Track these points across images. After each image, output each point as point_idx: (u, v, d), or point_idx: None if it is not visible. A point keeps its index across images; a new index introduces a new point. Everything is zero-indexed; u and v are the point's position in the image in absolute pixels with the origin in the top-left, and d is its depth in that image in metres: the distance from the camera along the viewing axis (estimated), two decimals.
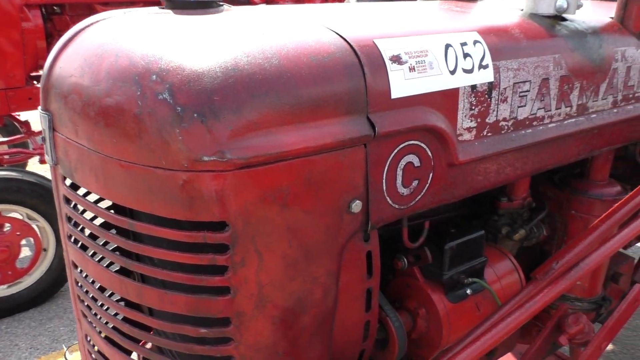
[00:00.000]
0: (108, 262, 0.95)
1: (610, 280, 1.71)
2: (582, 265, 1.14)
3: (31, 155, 3.89)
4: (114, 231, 0.93)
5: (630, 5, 1.31)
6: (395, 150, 0.93)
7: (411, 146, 0.96)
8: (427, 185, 1.01)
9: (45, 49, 4.01)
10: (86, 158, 0.85)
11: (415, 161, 0.97)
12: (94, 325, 0.99)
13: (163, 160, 0.75)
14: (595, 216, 1.31)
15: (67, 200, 0.95)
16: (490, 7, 1.27)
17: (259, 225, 0.80)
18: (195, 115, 0.72)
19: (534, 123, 1.15)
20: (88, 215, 0.95)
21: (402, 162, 0.95)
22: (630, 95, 1.37)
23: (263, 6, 1.08)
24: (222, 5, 1.00)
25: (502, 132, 1.09)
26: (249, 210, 0.78)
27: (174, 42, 0.80)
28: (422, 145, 0.97)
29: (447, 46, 0.96)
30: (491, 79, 1.03)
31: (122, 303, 0.94)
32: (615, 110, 1.33)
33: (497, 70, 1.04)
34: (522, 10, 1.23)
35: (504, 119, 1.09)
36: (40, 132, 4.62)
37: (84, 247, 0.95)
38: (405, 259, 1.20)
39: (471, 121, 1.03)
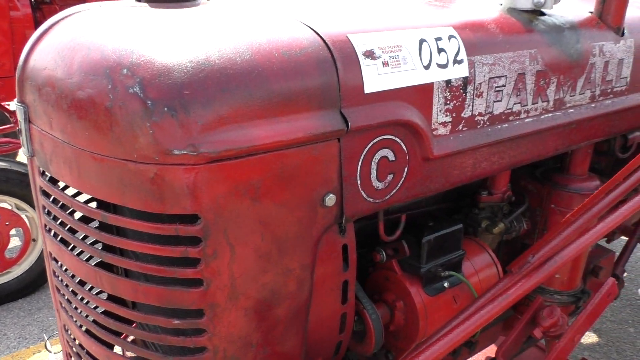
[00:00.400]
0: (84, 254, 0.96)
1: (590, 274, 1.74)
2: (557, 258, 1.15)
3: (20, 145, 3.87)
4: (94, 224, 0.94)
5: (609, 0, 1.32)
6: (370, 145, 0.95)
7: (385, 140, 0.97)
8: (402, 179, 1.02)
9: None
10: (60, 150, 0.85)
11: (390, 155, 0.98)
12: (73, 317, 1.00)
13: (134, 153, 0.76)
14: (572, 208, 1.32)
15: (44, 192, 0.96)
16: (469, 2, 1.28)
17: (231, 218, 0.81)
18: (165, 109, 0.73)
19: (510, 118, 1.17)
20: (66, 207, 0.96)
21: (377, 157, 0.96)
22: (609, 90, 1.39)
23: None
24: None
25: (478, 126, 1.11)
26: (220, 203, 0.79)
27: (147, 35, 0.80)
28: (397, 139, 0.98)
29: (422, 41, 0.97)
30: (466, 73, 1.04)
31: (101, 295, 0.95)
32: (593, 105, 1.35)
33: (472, 65, 1.05)
34: (501, 4, 1.24)
35: (480, 114, 1.10)
36: None
37: (61, 239, 0.96)
38: (384, 252, 1.21)
39: (446, 116, 1.04)
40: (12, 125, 4.33)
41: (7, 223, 3.53)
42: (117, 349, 0.98)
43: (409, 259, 1.20)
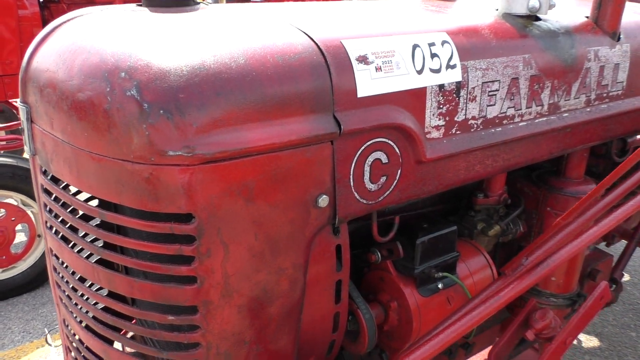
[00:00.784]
0: (84, 251, 0.99)
1: (587, 277, 1.75)
2: (550, 261, 1.17)
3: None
4: (94, 221, 0.97)
5: (605, 5, 1.34)
6: (363, 148, 0.97)
7: (378, 143, 0.99)
8: (396, 181, 1.04)
9: None
10: (61, 149, 0.88)
11: (383, 158, 1.01)
12: (72, 312, 1.03)
13: (131, 154, 0.78)
14: (570, 215, 1.34)
15: (45, 190, 0.99)
16: (466, 7, 1.30)
17: (225, 217, 0.84)
18: (161, 111, 0.76)
19: (504, 122, 1.18)
20: (67, 205, 0.99)
21: (370, 159, 0.99)
22: (604, 95, 1.40)
23: (239, 4, 1.10)
24: (198, 3, 1.03)
25: (472, 130, 1.13)
26: (214, 203, 0.82)
27: (145, 40, 0.83)
28: (390, 142, 1.00)
29: (415, 46, 0.99)
30: (459, 78, 1.06)
31: (101, 291, 0.98)
32: (588, 110, 1.36)
33: (465, 70, 1.07)
34: (497, 10, 1.26)
35: (473, 118, 1.12)
36: None
37: (61, 236, 0.99)
38: (379, 253, 1.23)
39: (439, 119, 1.06)
40: (19, 122, 4.39)
41: (13, 219, 3.58)
42: (117, 345, 1.01)
43: (403, 260, 1.22)
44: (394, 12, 1.16)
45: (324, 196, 0.94)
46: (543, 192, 1.52)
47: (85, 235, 0.99)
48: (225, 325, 0.90)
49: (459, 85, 1.07)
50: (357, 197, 0.99)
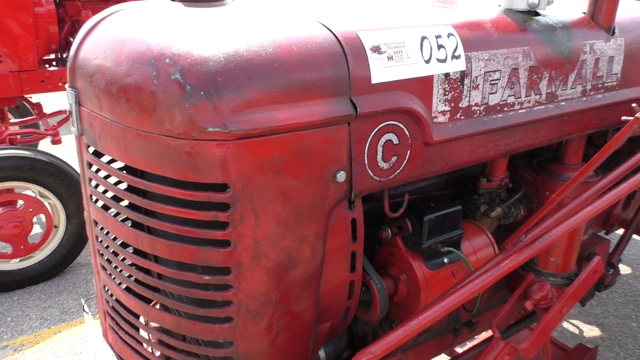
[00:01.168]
0: (123, 222, 1.11)
1: (585, 260, 1.86)
2: (547, 237, 1.28)
3: (44, 136, 4.06)
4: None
5: (600, 2, 1.45)
6: (376, 129, 1.08)
7: (390, 126, 1.11)
8: (405, 161, 1.16)
9: (57, 33, 4.17)
10: (109, 128, 1.00)
11: (394, 139, 1.12)
12: (113, 276, 1.15)
13: (174, 130, 0.90)
14: (568, 197, 1.45)
15: (90, 165, 1.11)
16: (470, 3, 1.41)
17: (256, 188, 0.95)
18: (202, 93, 0.88)
19: (505, 109, 1.30)
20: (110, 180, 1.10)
21: (382, 140, 1.10)
22: (600, 85, 1.51)
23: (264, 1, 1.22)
24: None
25: (475, 116, 1.24)
26: (247, 175, 0.94)
27: (184, 31, 0.95)
28: (400, 125, 1.12)
29: (423, 38, 1.11)
30: (463, 68, 1.17)
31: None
32: (584, 99, 1.47)
33: (469, 60, 1.18)
34: (499, 5, 1.37)
35: (476, 104, 1.23)
36: (52, 114, 4.77)
37: (104, 207, 1.11)
38: (389, 230, 1.35)
39: (445, 105, 1.18)
40: (35, 117, 4.53)
41: (31, 210, 3.72)
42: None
43: (412, 236, 1.33)
44: (405, 7, 1.27)
45: (342, 172, 1.05)
46: (542, 177, 1.63)
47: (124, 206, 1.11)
48: (254, 285, 1.02)
49: (463, 74, 1.18)
50: (371, 174, 1.11)
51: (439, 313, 1.14)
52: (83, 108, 1.07)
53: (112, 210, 1.11)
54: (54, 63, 4.51)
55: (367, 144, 1.08)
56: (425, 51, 1.11)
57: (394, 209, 1.27)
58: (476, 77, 1.21)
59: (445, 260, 1.37)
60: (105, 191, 1.10)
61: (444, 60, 1.14)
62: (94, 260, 1.24)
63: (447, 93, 1.17)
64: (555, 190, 1.62)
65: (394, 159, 1.13)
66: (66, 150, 4.53)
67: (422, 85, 1.12)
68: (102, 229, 1.14)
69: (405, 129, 1.13)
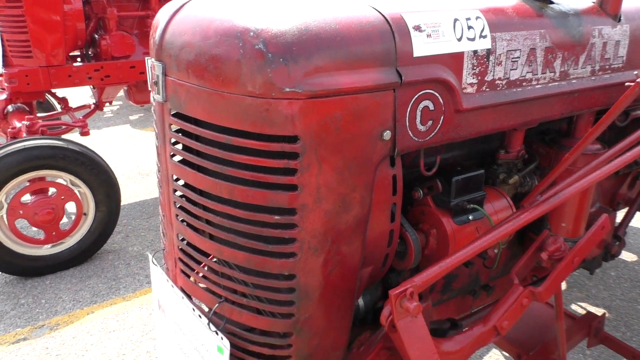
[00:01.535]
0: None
1: None
2: (560, 195, 1.50)
3: (72, 128, 4.29)
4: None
5: None
6: (416, 96, 1.30)
7: (427, 94, 1.32)
8: (439, 125, 1.37)
9: (84, 30, 4.41)
10: (195, 93, 1.22)
11: (430, 106, 1.34)
12: (188, 223, 1.37)
13: (256, 91, 1.12)
14: (578, 167, 1.66)
15: (172, 128, 1.33)
16: None
17: (320, 141, 1.17)
18: (280, 59, 1.09)
19: (524, 84, 1.51)
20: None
21: (421, 106, 1.32)
22: (607, 66, 1.73)
23: None
24: None
25: (498, 88, 1.46)
26: (313, 129, 1.15)
27: (262, 11, 1.17)
28: (436, 93, 1.34)
29: (455, 20, 1.33)
30: (489, 46, 1.39)
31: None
32: (593, 78, 1.69)
33: (494, 39, 1.40)
34: None
35: (499, 79, 1.45)
36: (77, 108, 4.99)
37: (184, 162, 1.33)
38: (421, 191, 1.57)
39: (473, 78, 1.40)
40: (61, 111, 4.76)
41: (63, 197, 3.94)
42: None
43: (441, 195, 1.54)
44: None
45: (387, 131, 1.27)
46: (555, 150, 1.84)
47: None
48: (315, 225, 1.23)
49: (488, 52, 1.40)
50: (411, 135, 1.32)
51: (469, 254, 1.35)
52: (169, 78, 1.29)
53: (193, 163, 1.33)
54: (79, 59, 4.74)
55: (409, 109, 1.29)
56: (457, 31, 1.33)
57: (427, 170, 1.49)
58: (499, 54, 1.42)
59: (470, 217, 1.58)
60: (185, 148, 1.32)
61: (472, 39, 1.35)
62: (168, 213, 1.46)
63: (475, 67, 1.39)
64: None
65: (429, 122, 1.35)
66: (93, 141, 4.74)
67: (454, 60, 1.34)
68: (181, 183, 1.36)
69: (439, 97, 1.34)
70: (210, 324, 1.38)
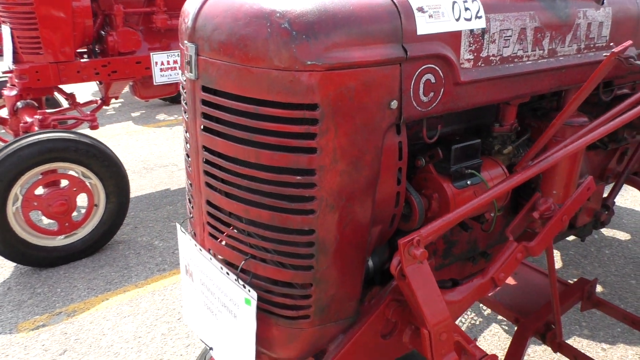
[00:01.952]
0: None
1: None
2: (549, 159, 1.69)
3: (82, 122, 4.46)
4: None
5: None
6: (419, 70, 1.49)
7: (429, 68, 1.51)
8: (440, 96, 1.56)
9: (92, 26, 4.58)
10: (225, 69, 1.40)
11: (432, 79, 1.52)
12: (216, 188, 1.56)
13: (282, 64, 1.30)
14: (566, 138, 1.86)
15: (203, 102, 1.51)
16: None
17: (336, 108, 1.35)
18: (304, 36, 1.28)
19: (515, 60, 1.70)
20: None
21: (423, 78, 1.50)
22: (592, 45, 1.92)
23: None
24: None
25: (492, 64, 1.65)
26: (331, 97, 1.34)
27: None
28: (437, 68, 1.52)
29: (454, 2, 1.52)
30: (484, 25, 1.58)
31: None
32: (578, 56, 1.88)
33: (488, 20, 1.59)
34: None
35: (493, 55, 1.64)
36: (85, 104, 5.16)
37: (214, 133, 1.51)
38: (423, 159, 1.75)
39: (470, 54, 1.59)
40: (69, 107, 4.94)
41: (75, 189, 4.12)
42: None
43: (442, 162, 1.73)
44: None
45: (394, 101, 1.46)
46: (545, 124, 2.03)
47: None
48: (332, 184, 1.42)
49: (483, 31, 1.59)
50: (415, 104, 1.51)
51: (469, 210, 1.54)
52: (201, 57, 1.47)
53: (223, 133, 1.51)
54: (85, 55, 4.91)
55: (413, 81, 1.48)
56: (456, 12, 1.52)
57: (429, 139, 1.68)
58: (493, 33, 1.62)
59: (469, 182, 1.76)
60: (215, 120, 1.50)
61: (469, 20, 1.55)
62: (197, 181, 1.64)
63: (471, 45, 1.58)
64: (556, 133, 2.03)
65: (431, 94, 1.54)
66: (100, 135, 4.87)
67: (453, 38, 1.53)
68: (211, 152, 1.54)
69: (440, 71, 1.53)
70: (238, 280, 1.56)
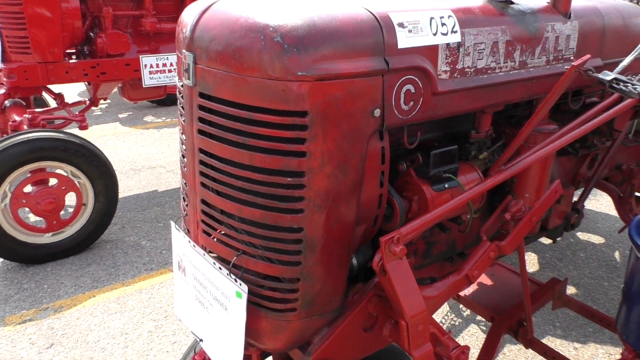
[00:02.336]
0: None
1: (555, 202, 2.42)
2: (520, 163, 1.83)
3: (70, 122, 4.53)
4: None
5: None
6: (400, 81, 1.62)
7: (409, 79, 1.64)
8: (419, 105, 1.70)
9: (81, 28, 4.65)
10: (222, 78, 1.52)
11: (412, 89, 1.66)
12: (211, 188, 1.67)
13: (274, 74, 1.43)
14: (536, 144, 2.01)
15: (200, 107, 1.62)
16: None
17: (324, 115, 1.48)
18: (295, 49, 1.41)
19: (489, 71, 1.85)
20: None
21: (404, 89, 1.64)
22: (560, 57, 2.08)
23: None
24: None
25: (467, 75, 1.79)
26: (320, 105, 1.46)
27: (278, 10, 1.48)
28: (416, 79, 1.66)
29: (431, 18, 1.65)
30: (459, 39, 1.72)
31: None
32: (548, 67, 2.03)
33: (463, 34, 1.73)
34: None
35: (468, 67, 1.78)
36: (73, 104, 5.22)
37: (209, 136, 1.63)
38: (404, 164, 1.89)
39: (447, 66, 1.72)
40: (57, 106, 4.99)
41: (64, 188, 4.19)
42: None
43: (421, 167, 1.86)
44: None
45: (377, 109, 1.59)
46: (518, 130, 2.17)
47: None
48: (320, 185, 1.55)
49: (459, 44, 1.73)
50: (396, 113, 1.65)
51: (446, 210, 1.68)
52: (198, 66, 1.59)
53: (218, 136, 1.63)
54: (74, 56, 4.98)
55: (394, 91, 1.61)
56: (433, 27, 1.66)
57: (409, 145, 1.81)
58: (468, 47, 1.76)
59: (446, 185, 1.90)
60: (211, 124, 1.62)
61: (446, 34, 1.68)
62: (192, 181, 1.76)
63: (448, 57, 1.72)
64: (528, 139, 2.18)
65: (411, 103, 1.67)
66: (88, 136, 4.93)
67: (431, 51, 1.67)
68: (206, 154, 1.66)
69: (419, 82, 1.67)
70: (230, 274, 1.68)
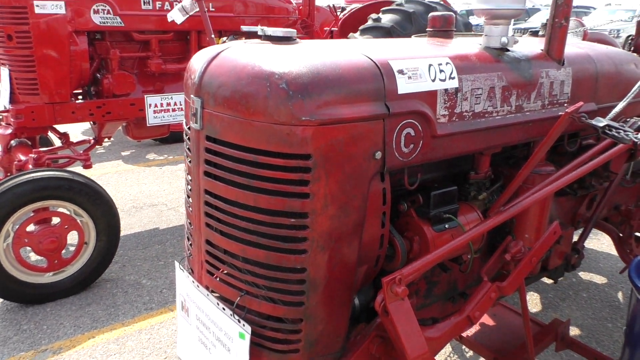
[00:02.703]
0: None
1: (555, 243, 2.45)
2: (519, 205, 1.88)
3: (74, 161, 4.60)
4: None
5: (553, 41, 2.11)
6: (400, 124, 1.68)
7: (409, 123, 1.71)
8: (419, 148, 1.76)
9: (89, 69, 4.78)
10: (228, 122, 1.59)
11: (412, 132, 1.72)
12: (216, 229, 1.71)
13: (280, 119, 1.49)
14: (534, 185, 2.06)
15: (207, 150, 1.68)
16: (460, 42, 2.05)
17: (327, 158, 1.54)
18: (299, 96, 1.47)
19: (486, 115, 1.92)
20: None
21: (404, 132, 1.70)
22: (555, 101, 2.16)
23: (321, 40, 1.84)
24: (297, 39, 1.77)
25: (465, 119, 1.86)
26: (323, 149, 1.52)
27: (282, 59, 1.55)
28: (416, 123, 1.72)
29: (430, 65, 1.73)
30: (457, 85, 1.80)
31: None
32: (543, 111, 2.11)
33: (460, 80, 1.81)
34: (480, 44, 2.02)
35: (466, 111, 1.85)
36: (78, 143, 5.31)
37: (215, 178, 1.68)
38: (405, 204, 1.94)
39: (445, 111, 1.79)
40: (62, 145, 5.08)
41: (66, 227, 4.21)
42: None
43: (422, 207, 1.91)
44: (417, 45, 1.91)
45: (379, 152, 1.65)
46: (516, 171, 2.23)
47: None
48: (323, 227, 1.59)
49: (457, 90, 1.80)
50: (397, 155, 1.70)
51: (447, 251, 1.72)
52: (206, 110, 1.66)
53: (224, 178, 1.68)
54: (80, 97, 5.09)
55: (395, 134, 1.68)
56: (432, 73, 1.73)
57: (410, 186, 1.86)
58: (465, 92, 1.83)
59: (446, 226, 1.94)
60: (217, 166, 1.67)
61: (444, 80, 1.76)
62: (197, 222, 1.80)
63: (446, 102, 1.79)
64: (526, 181, 2.23)
65: (411, 145, 1.73)
66: (91, 174, 4.99)
67: (430, 96, 1.74)
68: (212, 195, 1.71)
69: (419, 125, 1.73)
70: (234, 315, 1.70)
